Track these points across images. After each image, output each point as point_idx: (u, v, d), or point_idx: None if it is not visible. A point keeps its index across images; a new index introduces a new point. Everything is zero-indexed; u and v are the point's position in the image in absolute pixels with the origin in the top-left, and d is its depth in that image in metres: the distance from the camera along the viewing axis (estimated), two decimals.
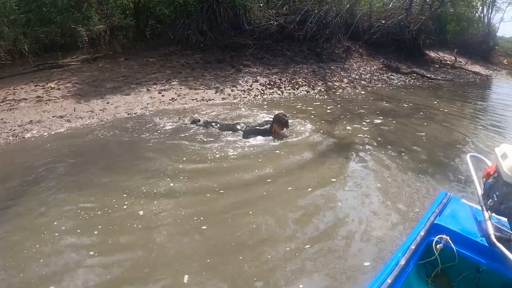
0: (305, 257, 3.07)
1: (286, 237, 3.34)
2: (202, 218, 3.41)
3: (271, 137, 5.71)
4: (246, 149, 5.21)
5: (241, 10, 12.62)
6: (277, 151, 5.30)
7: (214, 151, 5.12)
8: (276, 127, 5.78)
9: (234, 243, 3.11)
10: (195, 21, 11.49)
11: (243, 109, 7.63)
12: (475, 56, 24.61)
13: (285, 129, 5.89)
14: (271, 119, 5.92)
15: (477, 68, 21.80)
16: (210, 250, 3.02)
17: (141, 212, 3.47)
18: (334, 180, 4.54)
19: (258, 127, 5.85)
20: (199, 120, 6.39)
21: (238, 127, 5.99)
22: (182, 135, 5.80)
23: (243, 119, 6.83)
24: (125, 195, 3.79)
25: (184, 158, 4.85)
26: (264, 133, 5.74)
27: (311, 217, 3.69)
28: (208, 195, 3.88)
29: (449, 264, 2.37)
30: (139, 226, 3.26)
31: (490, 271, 2.31)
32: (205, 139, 5.62)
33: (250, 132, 5.77)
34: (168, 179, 4.23)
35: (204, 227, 3.31)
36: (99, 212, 3.46)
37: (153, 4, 12.14)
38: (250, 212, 3.57)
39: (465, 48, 24.04)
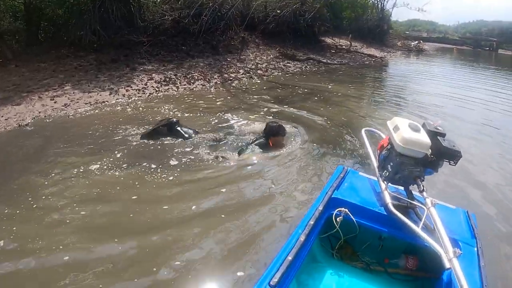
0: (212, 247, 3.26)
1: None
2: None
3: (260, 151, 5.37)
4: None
5: (135, 7, 12.88)
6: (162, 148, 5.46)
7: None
8: (273, 140, 5.51)
9: None
10: (87, 21, 11.51)
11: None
12: (371, 40, 27.27)
13: (283, 138, 5.66)
14: (263, 132, 5.62)
15: (372, 51, 24.04)
16: None
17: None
18: (232, 171, 4.80)
19: (254, 144, 5.46)
20: (172, 123, 5.95)
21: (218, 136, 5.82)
22: (68, 146, 5.56)
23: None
24: None
25: (57, 172, 4.64)
26: (261, 148, 5.39)
27: (218, 211, 3.86)
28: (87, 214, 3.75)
29: (352, 235, 2.53)
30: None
31: (392, 237, 2.50)
32: (95, 151, 5.38)
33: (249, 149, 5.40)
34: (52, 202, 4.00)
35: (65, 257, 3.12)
36: None
37: (45, 4, 11.96)
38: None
39: (360, 33, 26.57)
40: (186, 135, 5.80)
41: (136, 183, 4.43)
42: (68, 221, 3.63)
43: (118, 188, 4.31)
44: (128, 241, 3.34)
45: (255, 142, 5.48)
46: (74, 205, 3.90)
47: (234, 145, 5.64)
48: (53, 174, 4.59)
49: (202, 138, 5.85)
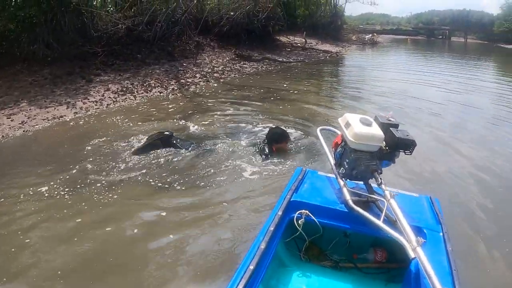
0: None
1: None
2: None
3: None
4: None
5: (87, 17, 12.87)
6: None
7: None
8: (277, 146, 5.56)
9: None
10: (40, 34, 11.41)
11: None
12: (325, 36, 28.26)
13: (288, 143, 5.76)
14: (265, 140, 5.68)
15: (327, 47, 24.94)
16: None
17: None
18: (191, 178, 4.82)
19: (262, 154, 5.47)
20: (170, 136, 5.84)
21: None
22: (24, 167, 5.40)
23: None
24: None
25: (8, 195, 4.50)
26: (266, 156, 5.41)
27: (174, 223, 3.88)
28: None
29: (317, 235, 2.49)
30: None
31: (357, 233, 2.52)
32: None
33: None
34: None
35: None
36: None
37: None
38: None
39: (315, 30, 27.58)
40: (182, 148, 5.73)
41: (83, 203, 4.30)
42: (13, 250, 3.50)
43: (65, 211, 4.15)
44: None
45: (263, 152, 5.47)
46: (19, 233, 3.75)
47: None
48: (2, 199, 4.44)
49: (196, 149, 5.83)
